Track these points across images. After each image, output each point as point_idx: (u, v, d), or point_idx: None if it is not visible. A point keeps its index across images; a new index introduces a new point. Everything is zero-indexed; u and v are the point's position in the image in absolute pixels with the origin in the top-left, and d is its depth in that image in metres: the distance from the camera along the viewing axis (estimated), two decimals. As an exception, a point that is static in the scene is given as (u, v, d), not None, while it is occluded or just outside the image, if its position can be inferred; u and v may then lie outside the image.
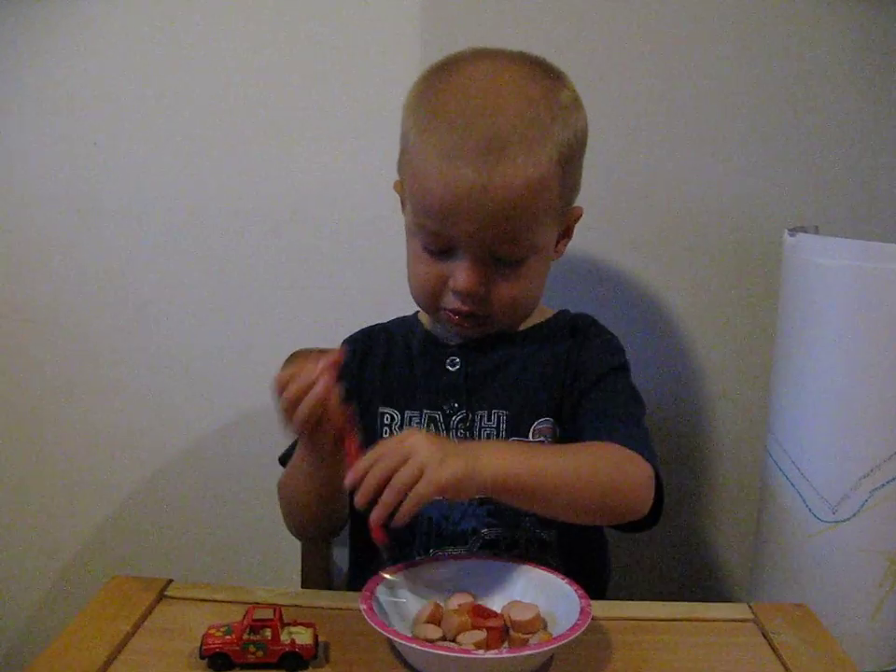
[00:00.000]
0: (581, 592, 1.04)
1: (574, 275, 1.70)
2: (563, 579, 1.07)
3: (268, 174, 1.72)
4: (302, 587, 1.66)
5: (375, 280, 1.73)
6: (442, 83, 1.20)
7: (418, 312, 1.39)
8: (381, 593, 1.05)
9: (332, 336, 1.53)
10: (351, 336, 1.40)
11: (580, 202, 1.29)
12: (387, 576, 1.08)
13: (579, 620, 0.98)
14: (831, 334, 1.34)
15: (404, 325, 1.40)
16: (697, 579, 1.79)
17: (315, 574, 1.68)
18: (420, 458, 0.99)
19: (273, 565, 1.83)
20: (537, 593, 1.07)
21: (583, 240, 1.41)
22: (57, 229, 1.75)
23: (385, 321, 1.42)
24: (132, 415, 1.81)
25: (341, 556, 1.79)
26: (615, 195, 1.69)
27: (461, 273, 1.19)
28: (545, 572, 1.09)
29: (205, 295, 1.76)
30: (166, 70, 1.69)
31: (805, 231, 1.41)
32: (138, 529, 1.85)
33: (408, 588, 1.08)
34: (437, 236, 1.19)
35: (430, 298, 1.25)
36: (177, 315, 1.77)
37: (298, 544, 1.65)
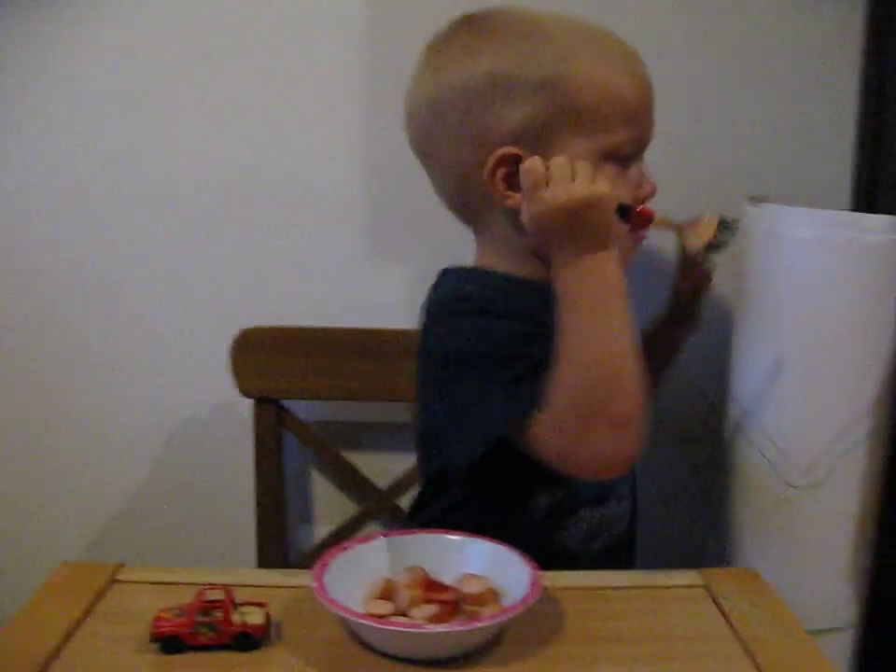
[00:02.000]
0: (532, 563, 1.04)
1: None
2: (513, 551, 1.07)
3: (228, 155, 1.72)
4: (258, 566, 1.69)
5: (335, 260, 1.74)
6: (536, 20, 1.19)
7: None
8: (333, 569, 1.05)
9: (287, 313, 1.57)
10: None
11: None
12: (341, 552, 1.09)
13: (529, 591, 0.98)
14: (793, 302, 1.35)
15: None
16: (660, 549, 1.81)
17: (272, 553, 1.71)
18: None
19: (228, 546, 1.84)
20: (488, 566, 1.08)
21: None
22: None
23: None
24: (75, 400, 1.80)
25: (297, 534, 1.81)
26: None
27: (644, 178, 1.22)
28: (496, 545, 1.10)
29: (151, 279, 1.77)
30: (121, 52, 1.69)
31: (766, 201, 1.41)
32: (91, 514, 1.85)
33: (361, 564, 1.09)
34: (637, 142, 1.20)
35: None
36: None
37: (253, 524, 1.69)
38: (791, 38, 1.68)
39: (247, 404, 1.68)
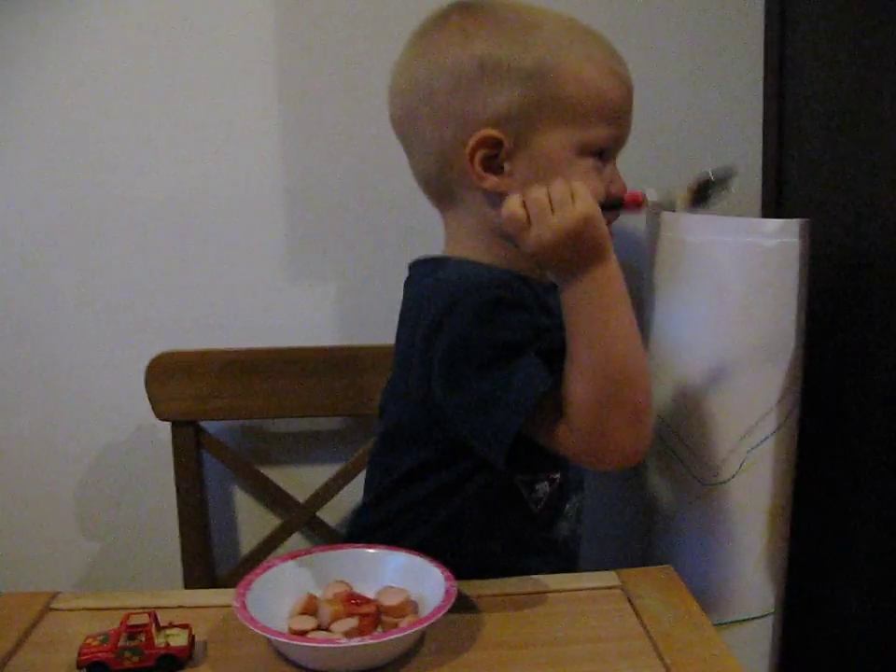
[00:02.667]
0: (447, 574, 1.08)
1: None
2: (431, 562, 1.11)
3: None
4: (185, 585, 1.70)
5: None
6: (530, 12, 1.23)
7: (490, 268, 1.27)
8: (257, 588, 1.07)
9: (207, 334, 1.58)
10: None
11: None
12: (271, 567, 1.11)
13: (442, 601, 1.02)
14: (697, 305, 1.40)
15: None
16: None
17: (198, 572, 1.72)
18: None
19: (154, 567, 1.84)
20: (407, 577, 1.11)
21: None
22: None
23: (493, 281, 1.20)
24: (25, 424, 1.80)
25: (222, 550, 1.83)
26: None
27: (618, 176, 1.25)
28: (415, 556, 1.13)
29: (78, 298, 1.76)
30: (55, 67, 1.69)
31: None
32: (17, 543, 1.84)
33: (285, 581, 1.11)
34: (613, 140, 1.23)
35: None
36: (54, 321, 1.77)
37: (177, 544, 1.70)
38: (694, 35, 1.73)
39: (165, 426, 1.69)
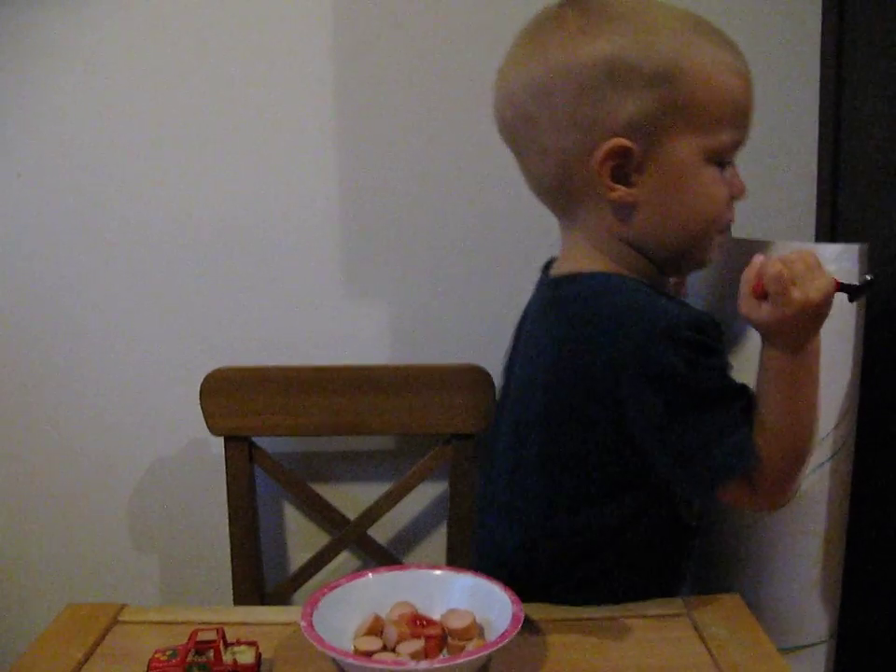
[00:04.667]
0: (513, 597, 1.07)
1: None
2: (497, 585, 1.10)
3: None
4: (235, 600, 1.71)
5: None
6: (647, 9, 1.16)
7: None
8: (323, 607, 1.07)
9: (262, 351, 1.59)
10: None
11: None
12: (331, 590, 1.10)
13: (510, 626, 1.01)
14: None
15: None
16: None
17: (248, 587, 1.73)
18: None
19: (205, 582, 1.87)
20: (474, 600, 1.10)
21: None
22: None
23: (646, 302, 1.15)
24: (53, 440, 1.82)
25: (272, 566, 1.84)
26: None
27: (737, 179, 1.20)
28: (481, 579, 1.12)
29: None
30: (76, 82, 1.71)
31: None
32: (95, 555, 1.86)
33: (351, 600, 1.10)
34: (738, 145, 1.18)
35: (721, 222, 1.21)
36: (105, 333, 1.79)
37: (228, 559, 1.72)
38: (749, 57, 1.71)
39: (218, 442, 1.70)
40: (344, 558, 1.82)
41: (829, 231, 1.72)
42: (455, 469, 1.72)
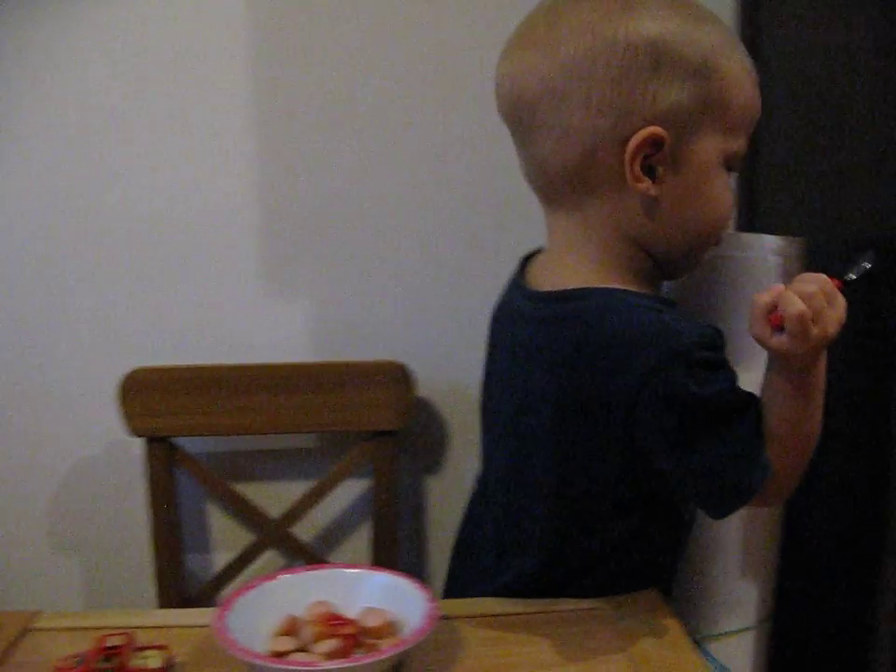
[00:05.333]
0: (429, 595, 1.06)
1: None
2: (413, 583, 1.10)
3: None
4: (158, 602, 1.70)
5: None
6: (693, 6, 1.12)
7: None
8: (238, 608, 1.06)
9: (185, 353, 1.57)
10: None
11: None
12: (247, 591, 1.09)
13: (424, 623, 1.01)
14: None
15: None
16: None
17: (171, 588, 1.72)
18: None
19: (128, 584, 1.85)
20: (389, 598, 1.09)
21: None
22: None
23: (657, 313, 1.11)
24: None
25: (195, 567, 1.82)
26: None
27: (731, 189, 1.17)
28: (397, 577, 1.12)
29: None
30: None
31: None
32: (16, 560, 1.84)
33: (267, 601, 1.09)
34: (745, 152, 1.15)
35: (726, 227, 1.18)
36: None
37: (150, 561, 1.70)
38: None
39: (139, 443, 1.68)
40: (269, 557, 1.80)
41: (747, 221, 1.74)
42: (378, 466, 1.72)
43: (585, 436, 1.12)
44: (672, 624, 1.13)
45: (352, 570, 1.16)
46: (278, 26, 1.68)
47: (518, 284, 1.24)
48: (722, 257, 1.33)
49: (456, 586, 1.36)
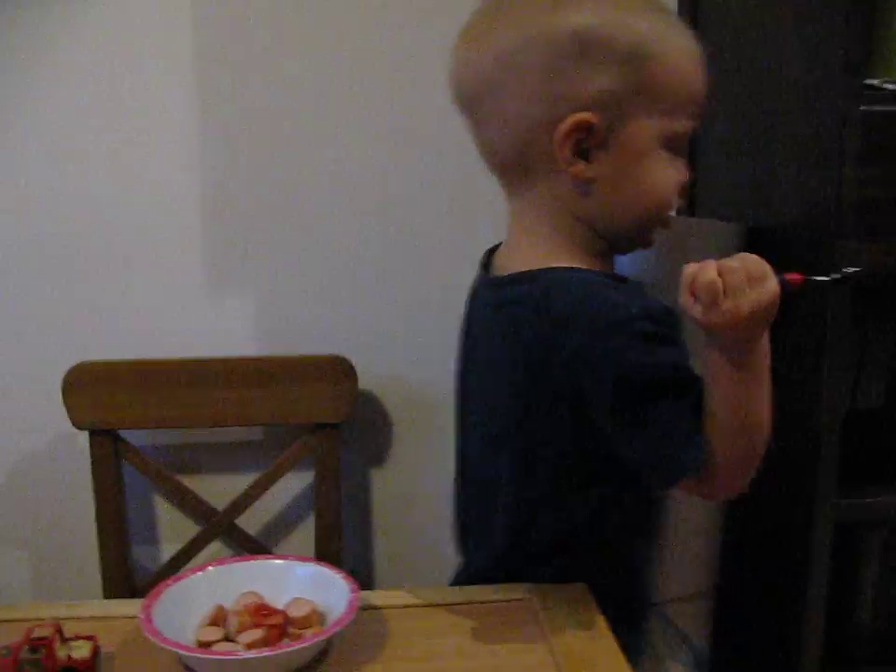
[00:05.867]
0: (352, 585, 1.08)
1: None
2: (337, 572, 1.12)
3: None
4: (104, 594, 1.71)
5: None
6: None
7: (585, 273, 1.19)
8: (166, 599, 1.07)
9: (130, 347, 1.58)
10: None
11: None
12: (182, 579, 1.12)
13: (345, 613, 1.03)
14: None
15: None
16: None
17: (117, 579, 1.73)
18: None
19: (74, 575, 1.86)
20: (316, 588, 1.11)
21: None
22: None
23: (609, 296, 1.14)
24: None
25: (142, 558, 1.83)
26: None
27: (684, 166, 1.18)
28: (323, 567, 1.14)
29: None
30: None
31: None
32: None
33: (197, 592, 1.11)
34: (690, 134, 1.17)
35: (670, 206, 1.21)
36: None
37: (96, 553, 1.70)
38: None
39: (84, 436, 1.70)
40: (215, 549, 1.83)
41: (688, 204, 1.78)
42: (321, 459, 1.74)
43: (544, 412, 1.15)
44: (596, 618, 1.14)
45: (279, 561, 1.18)
46: (222, 33, 1.71)
47: (481, 274, 1.28)
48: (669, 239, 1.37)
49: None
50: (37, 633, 1.02)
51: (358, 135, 1.74)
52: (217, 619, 1.08)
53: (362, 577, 1.92)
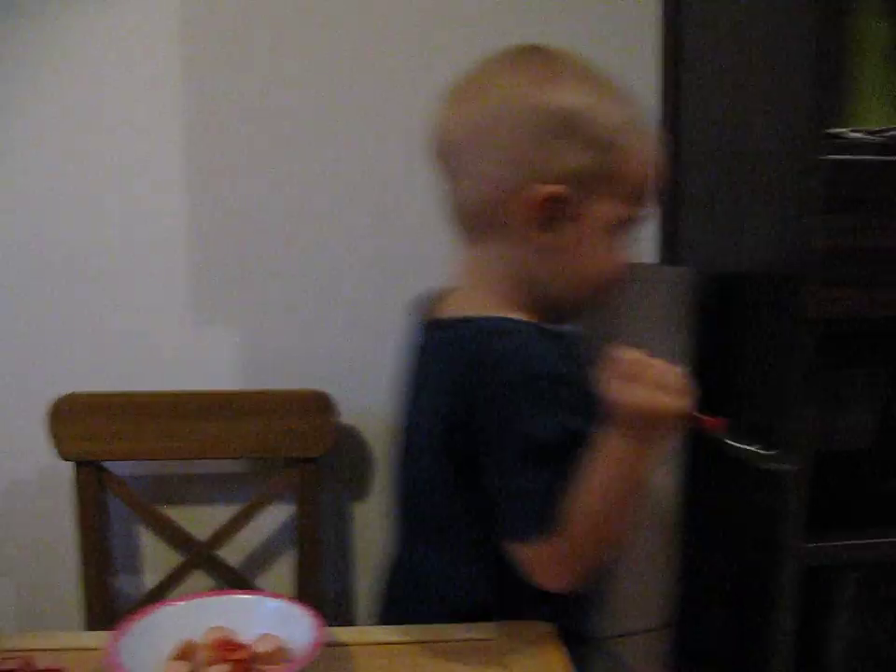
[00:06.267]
0: (317, 622, 1.09)
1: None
2: (303, 609, 1.13)
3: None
4: (87, 625, 1.72)
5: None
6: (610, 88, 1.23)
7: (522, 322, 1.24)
8: (137, 632, 1.09)
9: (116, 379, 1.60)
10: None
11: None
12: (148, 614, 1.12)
13: (308, 650, 1.04)
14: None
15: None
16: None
17: (100, 610, 1.74)
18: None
19: (56, 607, 1.87)
20: (284, 624, 1.12)
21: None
22: None
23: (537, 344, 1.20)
24: None
25: (125, 588, 1.84)
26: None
27: (626, 250, 1.25)
28: (287, 603, 1.15)
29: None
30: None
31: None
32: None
33: (167, 626, 1.12)
34: (639, 220, 1.25)
35: (617, 284, 1.26)
36: None
37: (79, 583, 1.72)
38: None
39: (69, 467, 1.71)
40: (197, 579, 1.84)
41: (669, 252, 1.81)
42: (302, 492, 1.76)
43: (462, 452, 1.19)
44: (557, 658, 1.15)
45: (247, 596, 1.19)
46: (213, 64, 1.74)
47: (425, 316, 1.34)
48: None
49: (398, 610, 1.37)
50: (5, 665, 1.03)
51: (341, 175, 1.77)
52: (185, 653, 1.08)
53: (344, 611, 1.94)
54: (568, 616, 1.25)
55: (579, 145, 1.17)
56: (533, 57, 1.22)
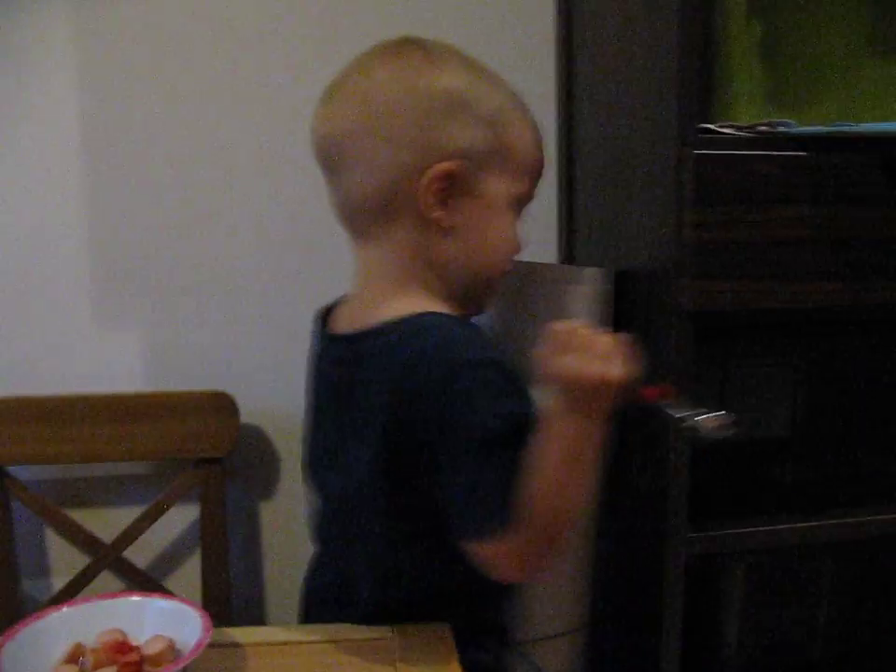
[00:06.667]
0: (206, 623, 1.09)
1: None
2: (194, 609, 1.13)
3: None
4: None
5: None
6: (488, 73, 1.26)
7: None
8: (25, 637, 1.09)
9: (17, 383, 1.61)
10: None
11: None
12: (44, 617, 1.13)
13: (191, 651, 1.04)
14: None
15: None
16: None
17: (5, 614, 1.75)
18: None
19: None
20: (175, 625, 1.12)
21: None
22: None
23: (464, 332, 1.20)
24: None
25: (33, 591, 1.84)
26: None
27: (521, 229, 1.27)
28: (178, 603, 1.16)
29: None
30: None
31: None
32: None
33: (59, 629, 1.12)
34: (531, 198, 1.28)
35: (509, 265, 1.27)
36: None
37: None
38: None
39: (-31, 471, 1.71)
40: (105, 581, 1.84)
41: (567, 252, 1.84)
42: (206, 493, 1.77)
43: (404, 457, 1.17)
44: (451, 659, 1.15)
45: (139, 598, 1.19)
46: (107, 67, 1.74)
47: (323, 332, 1.32)
48: (542, 285, 1.42)
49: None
50: None
51: (242, 171, 1.79)
52: (75, 657, 1.08)
53: (253, 612, 1.95)
54: (498, 617, 1.28)
55: (468, 122, 1.20)
56: (409, 47, 1.24)
